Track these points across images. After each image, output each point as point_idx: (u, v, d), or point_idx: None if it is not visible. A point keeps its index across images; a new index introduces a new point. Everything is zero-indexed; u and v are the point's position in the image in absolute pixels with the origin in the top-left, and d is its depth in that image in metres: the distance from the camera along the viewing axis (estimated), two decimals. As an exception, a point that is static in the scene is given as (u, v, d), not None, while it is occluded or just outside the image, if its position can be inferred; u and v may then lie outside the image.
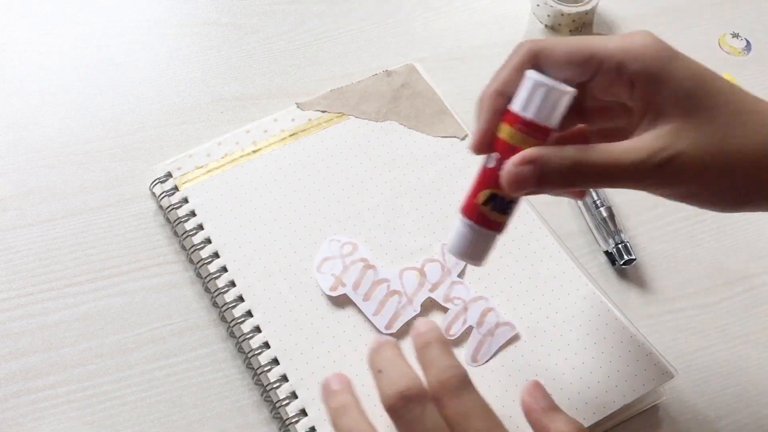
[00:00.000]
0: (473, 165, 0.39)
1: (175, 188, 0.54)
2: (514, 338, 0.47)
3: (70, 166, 0.56)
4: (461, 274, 0.50)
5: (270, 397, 0.46)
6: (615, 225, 0.54)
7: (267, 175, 0.54)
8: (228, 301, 0.49)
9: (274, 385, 0.46)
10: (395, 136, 0.56)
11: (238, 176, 0.54)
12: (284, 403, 0.45)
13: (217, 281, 0.50)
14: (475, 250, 0.39)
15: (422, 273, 0.50)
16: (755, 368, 0.50)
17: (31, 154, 0.57)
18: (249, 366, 0.47)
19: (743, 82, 0.63)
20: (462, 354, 0.47)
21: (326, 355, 0.47)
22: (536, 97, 0.37)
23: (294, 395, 0.46)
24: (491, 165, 0.37)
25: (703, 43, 0.67)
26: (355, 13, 0.68)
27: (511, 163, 0.36)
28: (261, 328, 0.48)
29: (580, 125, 0.41)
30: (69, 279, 0.51)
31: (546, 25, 0.68)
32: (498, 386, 0.45)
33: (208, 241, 0.51)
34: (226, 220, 0.52)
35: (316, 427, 0.44)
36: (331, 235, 0.51)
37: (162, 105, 0.60)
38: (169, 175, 0.54)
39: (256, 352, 0.47)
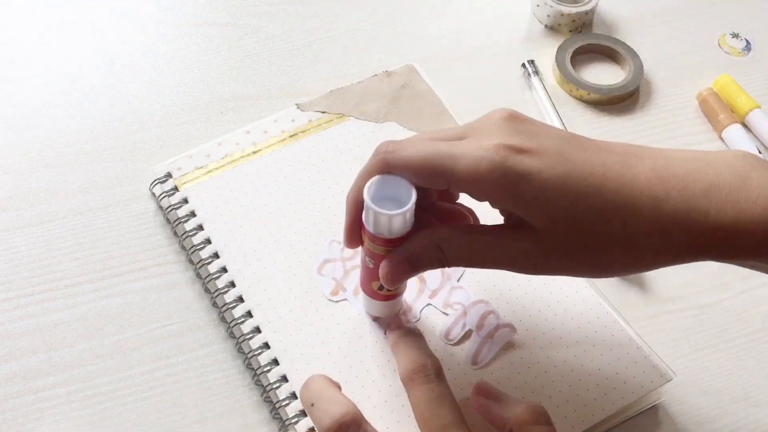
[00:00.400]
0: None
1: (175, 189, 0.54)
2: (514, 340, 0.47)
3: (70, 167, 0.56)
4: (460, 279, 0.50)
5: (270, 397, 0.46)
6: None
7: (267, 176, 0.54)
8: (228, 301, 0.49)
9: (274, 386, 0.46)
10: (395, 137, 0.56)
11: (238, 177, 0.54)
12: (284, 403, 0.45)
13: (217, 282, 0.50)
14: (385, 312, 0.47)
15: (422, 279, 0.50)
16: (755, 369, 0.50)
17: (31, 155, 0.57)
18: (249, 366, 0.47)
19: (743, 82, 0.63)
20: (462, 357, 0.47)
21: (326, 356, 0.47)
22: (370, 216, 0.39)
23: (294, 396, 0.46)
24: (370, 266, 0.42)
25: (703, 43, 0.67)
26: (355, 13, 0.68)
27: (381, 275, 0.40)
28: (261, 329, 0.48)
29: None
30: (69, 279, 0.51)
31: (546, 26, 0.68)
32: (498, 388, 0.45)
33: (208, 241, 0.51)
34: (226, 220, 0.52)
35: (315, 428, 0.44)
36: (331, 236, 0.51)
37: (162, 105, 0.60)
38: (169, 175, 0.54)
39: (256, 353, 0.47)
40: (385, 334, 0.47)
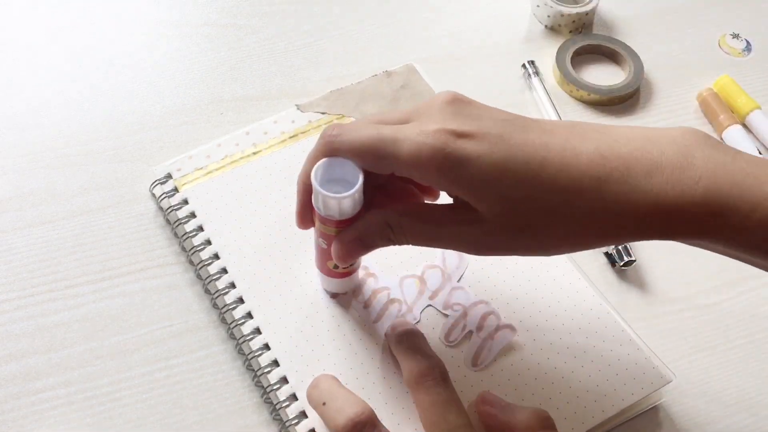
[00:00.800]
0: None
1: (175, 189, 0.54)
2: (515, 342, 0.47)
3: (70, 168, 0.56)
4: (461, 279, 0.50)
5: (270, 398, 0.46)
6: (615, 226, 0.54)
7: (267, 177, 0.54)
8: (228, 302, 0.49)
9: (274, 387, 0.46)
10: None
11: (238, 178, 0.54)
12: (284, 404, 0.45)
13: (217, 282, 0.50)
14: (341, 289, 0.49)
15: (422, 280, 0.50)
16: (756, 369, 0.50)
17: (31, 156, 0.57)
18: (249, 367, 0.47)
19: (743, 82, 0.63)
20: (462, 358, 0.47)
21: (327, 358, 0.47)
22: (319, 199, 0.40)
23: (294, 397, 0.46)
24: (323, 247, 0.43)
25: (703, 44, 0.67)
26: (355, 13, 0.68)
27: (333, 254, 0.42)
28: (261, 330, 0.48)
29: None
30: (69, 280, 0.51)
31: (546, 26, 0.68)
32: (497, 390, 0.45)
33: (208, 242, 0.51)
34: (226, 221, 0.52)
35: (316, 429, 0.44)
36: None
37: (162, 106, 0.60)
38: (169, 176, 0.54)
39: (256, 354, 0.47)
40: (386, 334, 0.47)
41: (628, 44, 0.65)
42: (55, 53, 0.63)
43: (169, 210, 0.53)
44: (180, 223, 0.52)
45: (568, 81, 0.62)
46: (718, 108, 0.61)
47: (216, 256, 0.51)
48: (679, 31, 0.68)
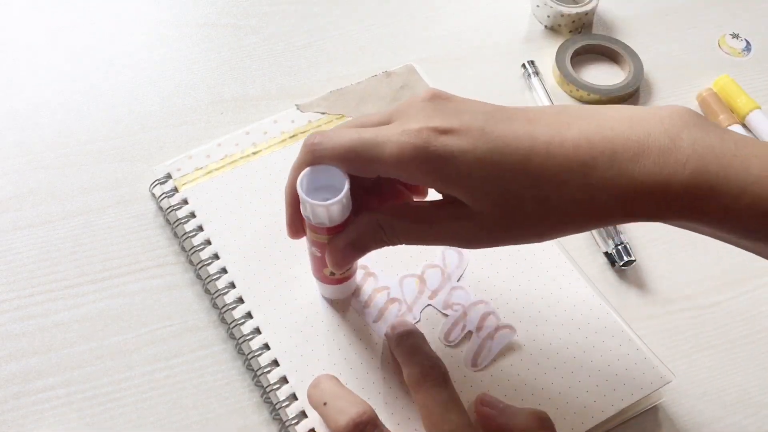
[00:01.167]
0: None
1: (175, 189, 0.54)
2: (514, 342, 0.47)
3: (70, 168, 0.56)
4: (460, 279, 0.50)
5: (270, 398, 0.46)
6: (614, 226, 0.54)
7: (267, 177, 0.54)
8: (228, 302, 0.49)
9: (274, 387, 0.46)
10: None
11: (238, 178, 0.54)
12: (284, 404, 0.45)
13: (217, 282, 0.50)
14: (339, 294, 0.49)
15: (422, 280, 0.50)
16: (756, 369, 0.50)
17: (31, 156, 0.57)
18: (249, 367, 0.47)
19: (743, 82, 0.63)
20: (461, 358, 0.47)
21: (327, 357, 0.47)
22: (307, 208, 0.40)
23: (294, 396, 0.46)
24: (317, 255, 0.43)
25: (703, 44, 0.67)
26: (355, 13, 0.68)
27: (328, 261, 0.42)
28: (261, 330, 0.48)
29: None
30: (69, 280, 0.51)
31: (546, 26, 0.68)
32: (497, 390, 0.45)
33: (208, 242, 0.51)
34: (226, 221, 0.52)
35: (315, 429, 0.44)
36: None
37: (162, 106, 0.60)
38: (168, 176, 0.54)
39: (256, 354, 0.47)
40: (386, 334, 0.47)
41: (628, 44, 0.65)
42: (55, 53, 0.63)
43: (168, 210, 0.53)
44: (180, 223, 0.52)
45: (568, 81, 0.62)
46: (717, 108, 0.61)
47: (216, 256, 0.51)
48: (679, 31, 0.68)
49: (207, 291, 0.51)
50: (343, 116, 0.58)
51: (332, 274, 0.45)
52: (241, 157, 0.55)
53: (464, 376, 0.46)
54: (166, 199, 0.53)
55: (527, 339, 0.48)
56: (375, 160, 0.37)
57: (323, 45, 0.65)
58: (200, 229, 0.52)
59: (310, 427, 0.44)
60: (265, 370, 0.46)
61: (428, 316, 0.49)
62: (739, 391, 0.49)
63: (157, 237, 0.53)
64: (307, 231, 0.42)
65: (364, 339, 0.47)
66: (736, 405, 0.48)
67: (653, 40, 0.67)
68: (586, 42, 0.65)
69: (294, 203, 0.41)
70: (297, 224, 0.42)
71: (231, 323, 0.49)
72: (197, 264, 0.51)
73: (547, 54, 0.65)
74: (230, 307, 0.49)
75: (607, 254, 0.54)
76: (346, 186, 0.38)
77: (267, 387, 0.46)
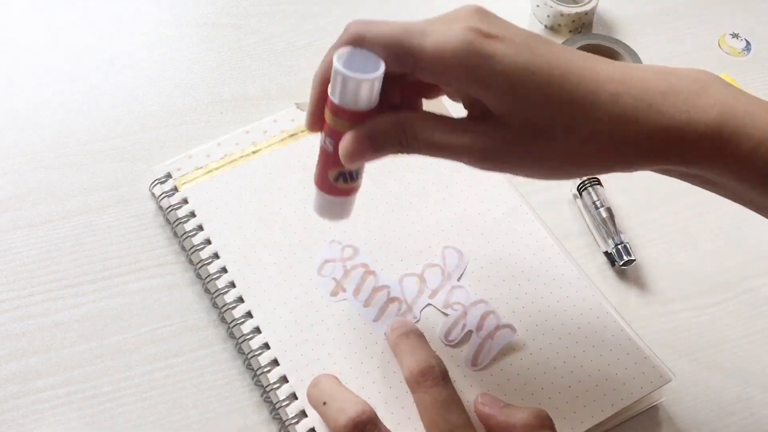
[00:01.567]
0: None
1: (175, 189, 0.54)
2: (514, 341, 0.47)
3: (70, 167, 0.56)
4: (461, 278, 0.50)
5: (270, 398, 0.46)
6: (614, 226, 0.54)
7: (267, 176, 0.54)
8: (228, 301, 0.49)
9: (274, 386, 0.46)
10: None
11: (238, 177, 0.54)
12: (284, 404, 0.45)
13: (217, 282, 0.50)
14: (337, 213, 0.44)
15: (422, 279, 0.50)
16: (755, 369, 0.50)
17: (30, 155, 0.57)
18: (249, 367, 0.47)
19: (743, 82, 0.63)
20: (461, 358, 0.47)
21: (327, 357, 0.47)
22: (338, 83, 0.38)
23: (294, 396, 0.46)
24: (330, 149, 0.40)
25: (703, 44, 0.67)
26: (354, 13, 0.68)
27: (341, 150, 0.38)
28: (261, 329, 0.48)
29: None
30: (69, 280, 0.51)
31: (546, 26, 0.68)
32: (497, 390, 0.45)
33: (208, 241, 0.51)
34: (226, 220, 0.52)
35: (315, 428, 0.44)
36: (330, 236, 0.51)
37: (162, 106, 0.60)
38: (168, 175, 0.54)
39: (256, 353, 0.47)
40: (386, 333, 0.47)
41: (628, 44, 0.65)
42: (55, 53, 0.63)
43: (168, 209, 0.53)
44: (180, 223, 0.52)
45: (568, 81, 0.62)
46: (717, 108, 0.61)
47: (216, 256, 0.51)
48: (679, 30, 0.68)
49: (207, 290, 0.51)
50: (343, 116, 0.58)
51: (337, 179, 0.41)
52: (241, 157, 0.55)
53: (464, 376, 0.46)
54: (165, 198, 0.54)
55: (527, 339, 0.48)
56: (416, 49, 0.37)
57: (323, 45, 0.65)
58: (200, 228, 0.52)
59: (310, 427, 0.44)
60: (265, 370, 0.46)
61: (428, 315, 0.49)
62: (739, 391, 0.49)
63: (156, 236, 0.53)
64: (327, 118, 0.39)
65: (364, 338, 0.47)
66: (736, 405, 0.48)
67: (653, 40, 0.67)
68: (586, 42, 0.65)
69: (322, 87, 0.39)
70: (319, 114, 0.40)
71: (231, 323, 0.49)
72: (197, 263, 0.51)
73: (547, 54, 0.65)
74: (230, 306, 0.49)
75: (607, 254, 0.54)
76: (382, 67, 0.37)
77: (267, 386, 0.46)
